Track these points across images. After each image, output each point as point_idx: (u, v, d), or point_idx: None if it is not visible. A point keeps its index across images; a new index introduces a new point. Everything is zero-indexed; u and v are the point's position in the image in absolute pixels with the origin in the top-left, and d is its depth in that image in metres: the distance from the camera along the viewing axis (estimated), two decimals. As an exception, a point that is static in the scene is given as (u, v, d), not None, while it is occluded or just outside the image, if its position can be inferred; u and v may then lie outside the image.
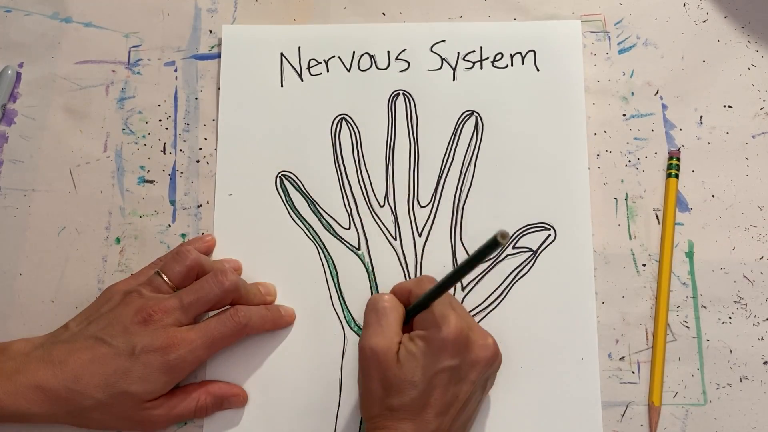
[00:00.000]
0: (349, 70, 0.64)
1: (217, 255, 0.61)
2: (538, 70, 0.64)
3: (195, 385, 0.57)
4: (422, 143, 0.63)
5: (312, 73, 0.64)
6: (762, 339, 0.58)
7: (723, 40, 0.64)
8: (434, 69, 0.64)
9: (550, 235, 0.60)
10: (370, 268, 0.60)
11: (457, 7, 0.66)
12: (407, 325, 0.54)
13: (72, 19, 0.66)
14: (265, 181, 0.62)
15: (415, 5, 0.66)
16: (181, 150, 0.63)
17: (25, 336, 0.57)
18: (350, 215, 0.62)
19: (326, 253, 0.61)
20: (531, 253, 0.60)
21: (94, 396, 0.53)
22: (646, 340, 0.58)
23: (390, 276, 0.60)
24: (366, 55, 0.65)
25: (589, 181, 0.61)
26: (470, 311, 0.59)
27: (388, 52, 0.65)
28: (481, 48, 0.64)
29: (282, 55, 0.65)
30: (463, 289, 0.59)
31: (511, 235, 0.43)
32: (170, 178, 0.63)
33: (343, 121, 0.63)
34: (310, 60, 0.65)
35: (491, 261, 0.60)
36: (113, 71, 0.65)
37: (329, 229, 0.61)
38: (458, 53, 0.64)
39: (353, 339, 0.59)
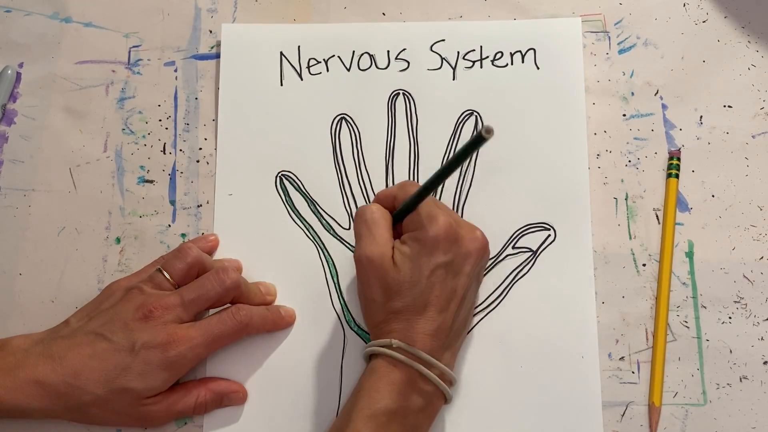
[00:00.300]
0: (348, 70, 0.64)
1: (218, 255, 0.61)
2: (538, 68, 0.64)
3: (195, 382, 0.57)
4: (422, 143, 0.63)
5: (312, 73, 0.64)
6: (762, 339, 0.58)
7: (723, 40, 0.64)
8: (434, 68, 0.64)
9: (550, 235, 0.60)
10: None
11: (456, 6, 0.66)
12: (395, 230, 0.55)
13: (72, 19, 0.66)
14: (265, 181, 0.62)
15: (415, 5, 0.66)
16: (181, 150, 0.63)
17: (25, 336, 0.57)
18: (350, 215, 0.61)
19: (326, 253, 0.61)
20: (531, 253, 0.60)
21: (93, 391, 0.53)
22: (646, 340, 0.58)
23: (390, 276, 0.60)
24: (366, 55, 0.65)
25: (589, 181, 0.61)
26: (470, 311, 0.59)
27: (388, 51, 0.65)
28: (481, 47, 0.64)
29: (282, 54, 0.65)
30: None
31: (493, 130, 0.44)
32: (170, 178, 0.63)
33: (343, 121, 0.63)
34: (309, 59, 0.65)
35: (491, 261, 0.60)
36: (113, 71, 0.65)
37: (329, 229, 0.61)
38: (458, 52, 0.64)
39: (353, 339, 0.59)
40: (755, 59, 0.64)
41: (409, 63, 0.64)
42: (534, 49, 0.64)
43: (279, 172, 0.62)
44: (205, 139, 0.63)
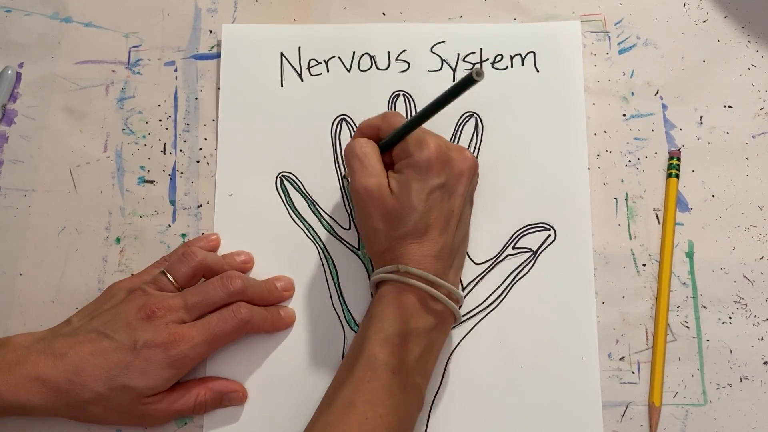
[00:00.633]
0: (349, 71, 0.64)
1: (219, 254, 0.61)
2: (538, 71, 0.64)
3: (195, 381, 0.57)
4: (422, 143, 0.63)
5: (312, 74, 0.65)
6: (762, 339, 0.58)
7: (723, 40, 0.64)
8: (434, 70, 0.64)
9: (550, 235, 0.60)
10: (370, 268, 0.60)
11: (456, 7, 0.66)
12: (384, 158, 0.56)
13: (72, 19, 0.66)
14: (265, 181, 0.62)
15: (415, 5, 0.66)
16: (181, 150, 0.63)
17: (25, 336, 0.57)
18: (350, 215, 0.61)
19: (326, 253, 0.61)
20: (531, 253, 0.60)
21: (94, 389, 0.53)
22: (646, 340, 0.58)
23: (390, 276, 0.60)
24: (366, 56, 0.65)
25: (589, 181, 0.61)
26: (470, 311, 0.59)
27: (388, 52, 0.65)
28: (481, 50, 0.64)
29: (282, 55, 0.65)
30: (463, 289, 0.59)
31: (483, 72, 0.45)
32: (170, 178, 0.63)
33: (344, 122, 0.63)
34: (310, 60, 0.65)
35: (491, 261, 0.60)
36: (113, 71, 0.65)
37: (329, 229, 0.61)
38: (458, 54, 0.64)
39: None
40: (755, 59, 0.64)
41: (409, 64, 0.64)
42: (534, 52, 0.64)
43: (279, 173, 0.62)
44: (206, 139, 0.63)
